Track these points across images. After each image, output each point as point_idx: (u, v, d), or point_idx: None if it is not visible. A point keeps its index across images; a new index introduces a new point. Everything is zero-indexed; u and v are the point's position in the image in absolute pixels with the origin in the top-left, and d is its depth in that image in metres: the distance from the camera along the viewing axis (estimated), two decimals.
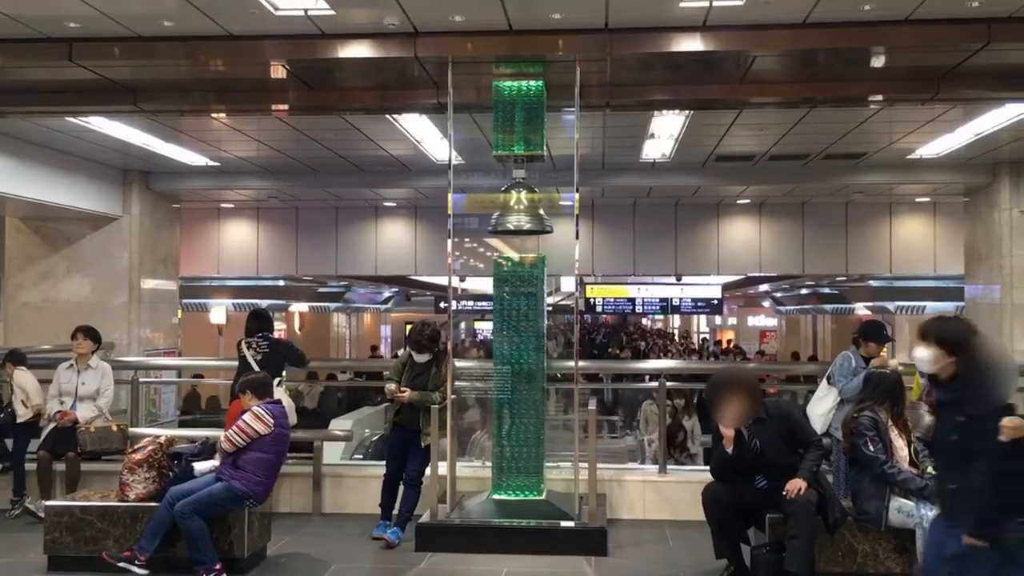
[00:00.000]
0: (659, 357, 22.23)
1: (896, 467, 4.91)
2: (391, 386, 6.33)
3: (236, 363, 6.93)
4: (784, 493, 4.83)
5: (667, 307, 19.54)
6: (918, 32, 5.98)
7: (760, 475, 5.05)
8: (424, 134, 9.21)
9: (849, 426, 5.13)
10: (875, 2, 5.61)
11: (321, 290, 22.63)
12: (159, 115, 8.16)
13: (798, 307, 27.49)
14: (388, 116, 8.34)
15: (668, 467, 7.25)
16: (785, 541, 4.78)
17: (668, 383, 7.79)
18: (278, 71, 6.93)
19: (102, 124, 8.66)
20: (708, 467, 5.58)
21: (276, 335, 7.68)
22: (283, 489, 6.94)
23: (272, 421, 5.47)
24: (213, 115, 8.41)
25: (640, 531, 6.47)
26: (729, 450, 5.06)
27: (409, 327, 6.94)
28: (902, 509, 4.89)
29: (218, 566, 5.21)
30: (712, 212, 14.11)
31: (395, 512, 6.31)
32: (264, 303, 17.62)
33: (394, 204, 14.11)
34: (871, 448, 4.94)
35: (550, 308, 7.61)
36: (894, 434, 5.06)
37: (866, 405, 5.14)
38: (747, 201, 13.73)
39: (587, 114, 7.67)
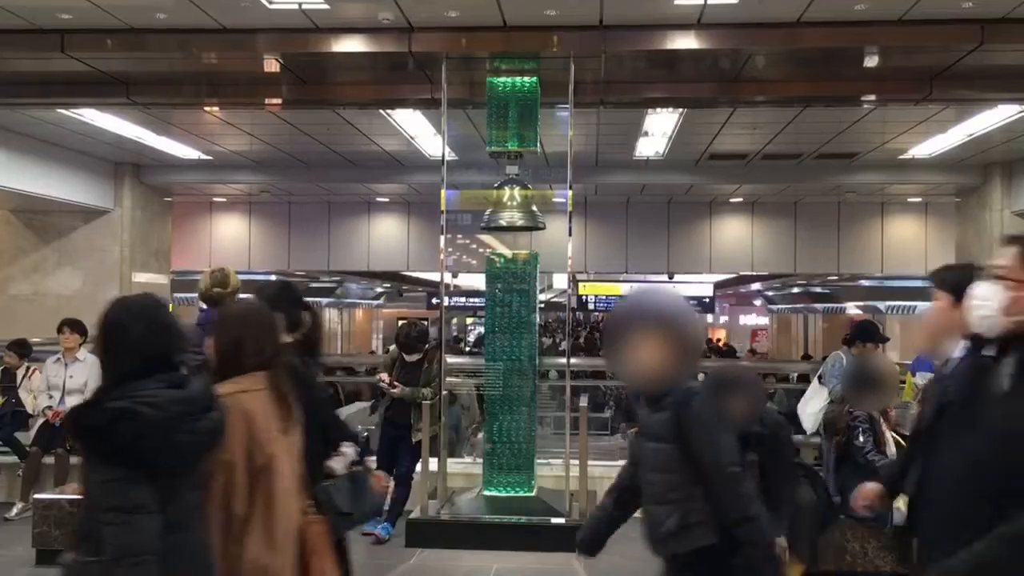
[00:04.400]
0: None
1: (877, 456, 4.96)
2: (383, 375, 6.33)
3: None
4: None
5: None
6: (911, 32, 6.01)
7: None
8: (417, 129, 9.20)
9: (843, 419, 5.17)
10: (869, 2, 5.62)
11: (313, 285, 22.58)
12: (151, 108, 8.13)
13: (789, 306, 27.53)
14: (382, 111, 8.34)
15: None
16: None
17: None
18: (271, 65, 6.91)
19: (94, 116, 8.63)
20: None
21: None
22: None
23: None
24: (206, 108, 8.39)
25: (630, 528, 6.46)
26: None
27: (401, 323, 6.93)
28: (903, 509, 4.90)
29: None
30: (705, 211, 14.12)
31: (385, 507, 6.30)
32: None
33: (387, 200, 14.09)
34: (861, 439, 4.99)
35: (542, 305, 7.65)
36: (886, 429, 5.10)
37: None
38: (740, 200, 13.76)
39: (581, 111, 7.67)
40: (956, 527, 2.22)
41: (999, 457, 2.14)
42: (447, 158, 6.51)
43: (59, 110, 8.32)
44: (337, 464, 3.41)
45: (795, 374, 9.86)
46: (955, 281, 2.62)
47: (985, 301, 2.25)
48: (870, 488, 3.08)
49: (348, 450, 3.50)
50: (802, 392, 6.80)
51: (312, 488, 3.04)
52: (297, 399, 2.91)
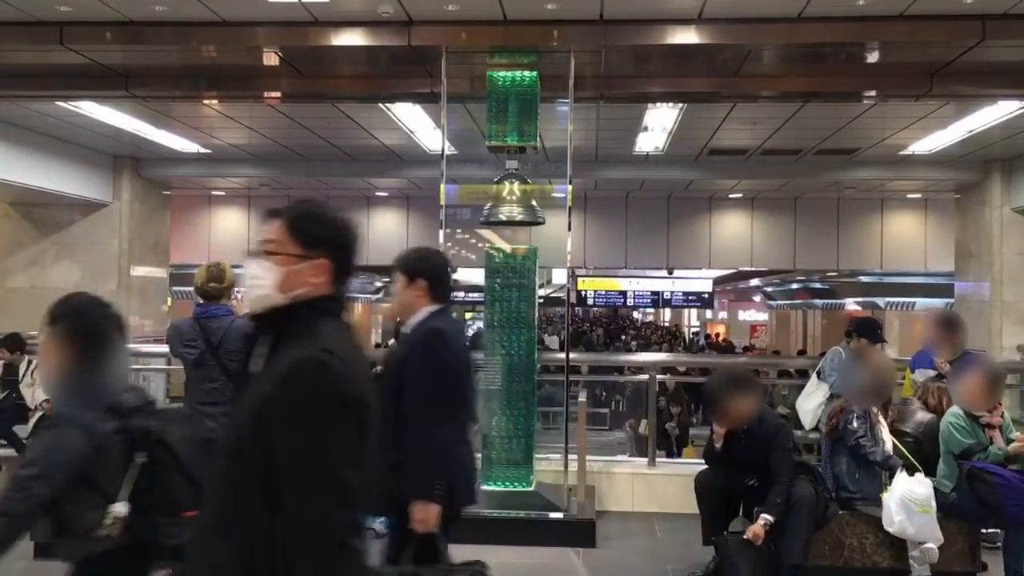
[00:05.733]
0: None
1: (868, 443, 4.98)
2: (379, 368, 6.31)
3: None
4: (744, 537, 4.81)
5: (658, 300, 19.58)
6: (912, 28, 5.99)
7: (749, 474, 5.06)
8: (417, 124, 9.18)
9: (839, 406, 5.20)
10: None
11: None
12: (150, 101, 8.10)
13: (788, 302, 27.56)
14: (381, 105, 8.31)
15: (657, 460, 7.26)
16: (786, 534, 4.76)
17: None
18: (271, 58, 6.89)
19: (93, 109, 8.60)
20: (696, 460, 5.60)
21: None
22: None
23: None
24: (204, 102, 8.36)
25: (628, 523, 6.48)
26: (718, 446, 5.10)
27: (399, 319, 6.91)
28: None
29: None
30: (704, 206, 14.12)
31: None
32: None
33: (386, 194, 14.07)
34: (855, 424, 5.01)
35: (541, 300, 7.63)
36: (882, 425, 5.13)
37: None
38: (739, 195, 13.75)
39: (581, 106, 7.65)
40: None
41: (254, 445, 1.88)
42: (446, 152, 6.50)
43: (58, 103, 8.29)
44: None
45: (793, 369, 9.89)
46: (408, 263, 3.68)
47: (258, 280, 2.03)
48: None
49: None
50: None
51: None
52: None
